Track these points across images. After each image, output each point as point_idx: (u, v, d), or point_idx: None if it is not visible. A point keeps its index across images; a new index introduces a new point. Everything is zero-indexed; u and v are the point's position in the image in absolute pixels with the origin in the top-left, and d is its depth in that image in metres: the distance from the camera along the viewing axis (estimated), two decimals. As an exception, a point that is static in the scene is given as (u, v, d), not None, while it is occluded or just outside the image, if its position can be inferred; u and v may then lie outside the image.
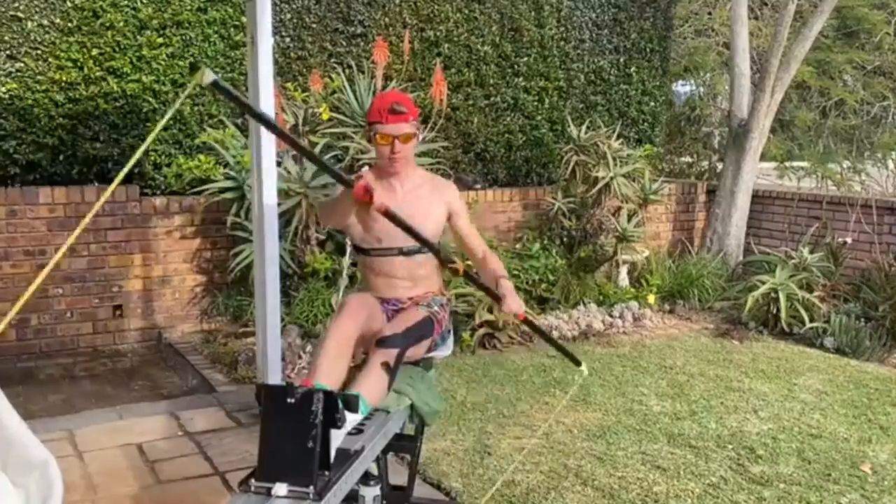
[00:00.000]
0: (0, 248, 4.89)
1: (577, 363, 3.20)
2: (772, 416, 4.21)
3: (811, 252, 6.13)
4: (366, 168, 4.93)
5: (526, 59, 6.84)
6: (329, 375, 2.43)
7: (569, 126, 6.60)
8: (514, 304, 2.73)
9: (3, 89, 4.98)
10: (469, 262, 2.89)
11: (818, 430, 4.03)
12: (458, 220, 2.85)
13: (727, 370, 4.97)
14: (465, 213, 2.88)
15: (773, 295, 5.74)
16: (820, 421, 4.15)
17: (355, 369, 2.58)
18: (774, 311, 5.75)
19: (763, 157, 7.66)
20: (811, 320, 5.59)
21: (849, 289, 6.16)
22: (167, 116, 1.93)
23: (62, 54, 5.10)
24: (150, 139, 1.84)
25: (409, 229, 2.50)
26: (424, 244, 2.59)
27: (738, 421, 4.12)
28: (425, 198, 2.76)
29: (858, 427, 4.08)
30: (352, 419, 2.29)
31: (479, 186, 6.60)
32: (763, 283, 5.81)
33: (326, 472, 2.14)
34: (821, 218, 6.86)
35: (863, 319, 5.62)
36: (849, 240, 6.56)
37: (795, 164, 8.59)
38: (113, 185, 1.78)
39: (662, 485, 3.39)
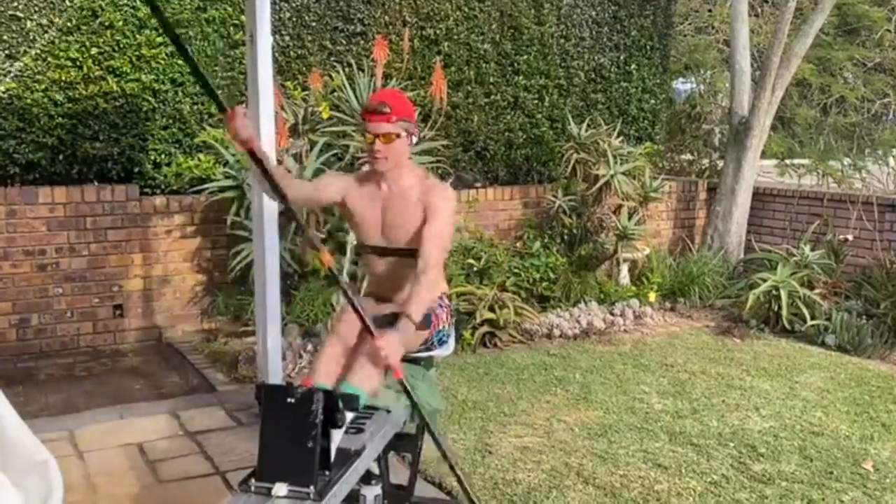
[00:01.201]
0: (0, 248, 4.89)
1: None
2: (773, 413, 4.20)
3: (812, 249, 6.13)
4: (366, 166, 4.95)
5: (526, 56, 6.83)
6: (329, 376, 2.43)
7: (569, 124, 6.59)
8: (389, 348, 2.30)
9: (3, 89, 4.97)
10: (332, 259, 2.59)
11: (820, 427, 4.02)
12: (429, 220, 2.58)
13: (728, 368, 4.96)
14: (441, 218, 2.59)
15: (774, 292, 5.73)
16: (821, 418, 4.14)
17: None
18: (776, 309, 5.74)
19: (764, 155, 7.64)
20: (812, 318, 5.58)
21: (850, 286, 6.15)
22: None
23: (61, 53, 5.09)
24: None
25: (274, 185, 2.39)
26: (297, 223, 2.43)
27: (740, 419, 4.12)
28: (410, 204, 2.64)
29: (860, 425, 4.07)
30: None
31: (479, 185, 6.60)
32: (764, 280, 5.80)
33: (327, 472, 2.14)
34: (822, 215, 6.85)
35: (864, 316, 5.61)
36: (850, 237, 6.55)
37: (796, 161, 8.58)
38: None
39: (664, 483, 3.38)
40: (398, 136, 2.60)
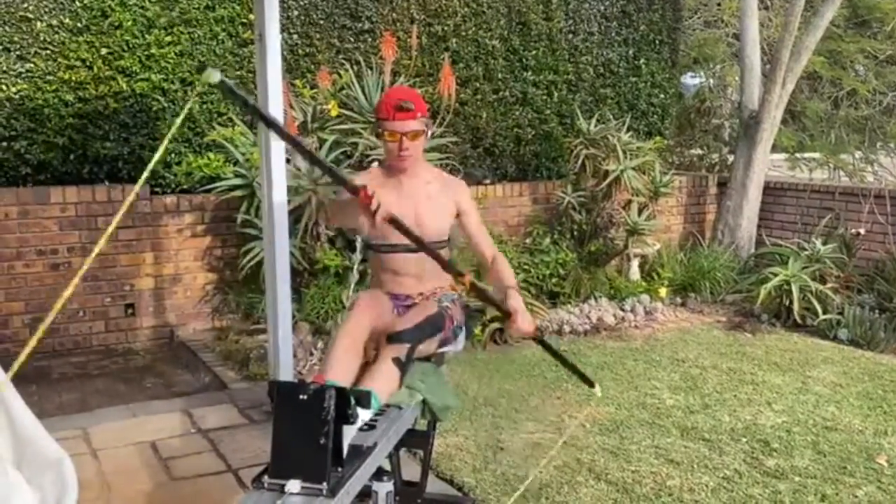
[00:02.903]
0: (12, 248, 4.92)
1: (591, 384, 3.01)
2: (786, 408, 4.18)
3: (824, 243, 6.09)
4: (375, 164, 4.95)
5: (534, 52, 6.81)
6: (341, 372, 2.43)
7: (578, 119, 6.58)
8: (525, 322, 2.62)
9: (14, 90, 5.00)
10: (475, 269, 2.85)
11: (833, 422, 4.00)
12: (467, 220, 2.83)
13: (740, 363, 4.94)
14: (475, 213, 2.85)
15: (785, 287, 5.71)
16: (834, 413, 4.12)
17: (366, 366, 2.58)
18: (787, 304, 5.71)
19: (774, 149, 7.60)
20: (824, 312, 5.56)
21: (862, 280, 6.12)
22: (179, 118, 1.97)
23: (71, 54, 5.12)
24: (164, 144, 1.88)
25: (413, 237, 2.42)
26: (427, 251, 2.49)
27: (752, 414, 4.10)
28: (434, 196, 2.75)
29: (874, 419, 4.05)
30: (363, 415, 2.29)
31: (488, 181, 6.59)
32: (775, 275, 5.77)
33: (339, 469, 2.14)
34: (833, 209, 6.82)
35: (877, 311, 5.58)
36: (862, 231, 6.51)
37: (807, 155, 8.53)
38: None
39: (676, 478, 3.37)
40: (422, 132, 2.66)
